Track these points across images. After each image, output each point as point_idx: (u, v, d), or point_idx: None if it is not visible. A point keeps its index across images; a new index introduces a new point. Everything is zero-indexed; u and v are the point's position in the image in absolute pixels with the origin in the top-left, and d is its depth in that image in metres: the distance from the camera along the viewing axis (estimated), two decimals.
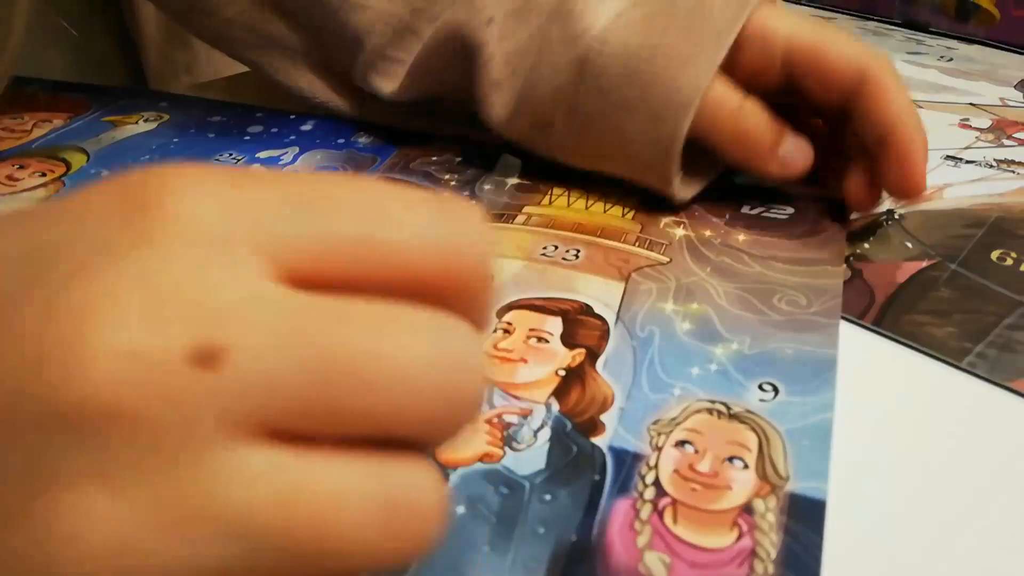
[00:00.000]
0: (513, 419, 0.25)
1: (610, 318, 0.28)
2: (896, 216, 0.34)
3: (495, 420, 0.25)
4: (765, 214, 0.34)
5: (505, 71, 0.35)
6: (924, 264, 0.31)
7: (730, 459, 0.23)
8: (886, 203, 0.34)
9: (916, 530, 0.22)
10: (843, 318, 0.28)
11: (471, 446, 0.24)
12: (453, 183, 0.38)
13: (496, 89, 0.35)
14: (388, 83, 0.40)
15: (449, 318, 0.15)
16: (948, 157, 0.40)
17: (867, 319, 0.28)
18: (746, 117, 0.32)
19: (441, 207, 0.15)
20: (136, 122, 0.44)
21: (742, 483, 0.22)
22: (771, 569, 0.20)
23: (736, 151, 0.33)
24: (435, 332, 0.15)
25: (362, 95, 0.43)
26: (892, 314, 0.29)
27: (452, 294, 0.15)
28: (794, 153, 0.33)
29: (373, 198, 0.15)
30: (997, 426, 0.25)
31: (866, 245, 0.32)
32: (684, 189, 0.34)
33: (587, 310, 0.29)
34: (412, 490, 0.14)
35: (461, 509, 0.22)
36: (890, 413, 0.25)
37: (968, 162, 0.39)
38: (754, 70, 0.32)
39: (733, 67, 0.32)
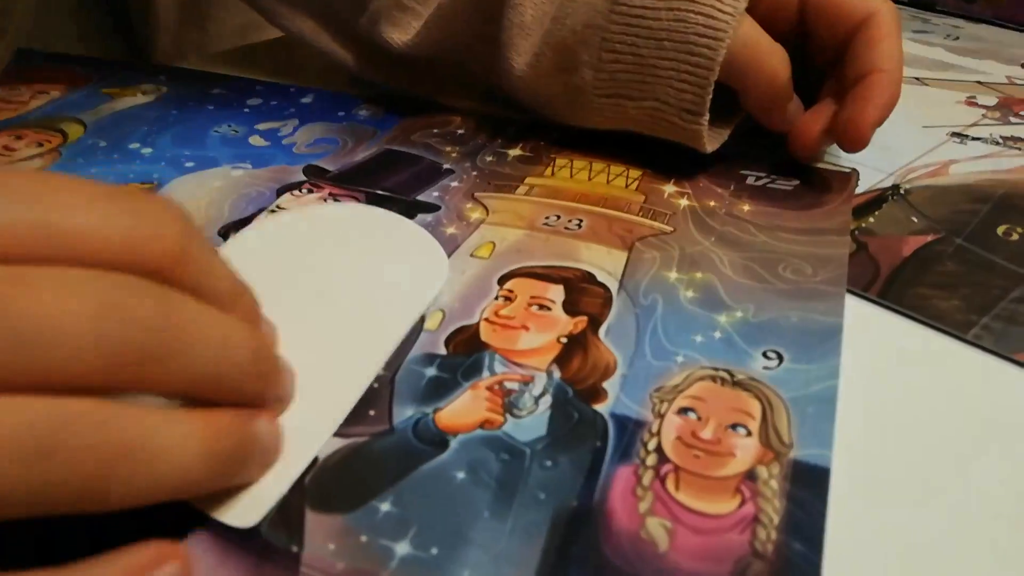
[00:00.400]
0: (514, 386, 0.24)
1: (613, 287, 0.28)
2: (901, 191, 0.34)
3: (496, 387, 0.24)
4: (770, 185, 0.34)
5: (535, 13, 0.34)
6: (929, 238, 0.31)
7: (733, 426, 0.23)
8: (891, 179, 0.34)
9: (919, 500, 0.21)
10: (848, 291, 0.28)
11: (472, 412, 0.24)
12: (455, 155, 0.37)
13: (523, 33, 0.34)
14: (401, 34, 0.39)
15: (127, 277, 0.16)
16: (954, 134, 0.39)
17: (872, 291, 0.28)
18: (781, 61, 0.32)
19: (129, 201, 0.17)
20: (135, 95, 0.44)
21: (745, 450, 0.22)
22: (774, 535, 0.20)
23: (764, 94, 0.33)
24: (102, 290, 0.15)
25: (363, 49, 0.42)
26: (897, 286, 0.28)
27: (148, 276, 0.16)
28: (794, 110, 0.34)
29: (57, 187, 0.16)
30: (1002, 397, 0.24)
31: (871, 219, 0.32)
32: (710, 138, 0.33)
33: (589, 278, 0.29)
34: (68, 436, 0.15)
35: (461, 475, 0.22)
36: (894, 384, 0.25)
37: (975, 139, 0.39)
38: (773, 5, 0.33)
39: (755, 4, 0.31)
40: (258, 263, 0.29)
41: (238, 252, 0.29)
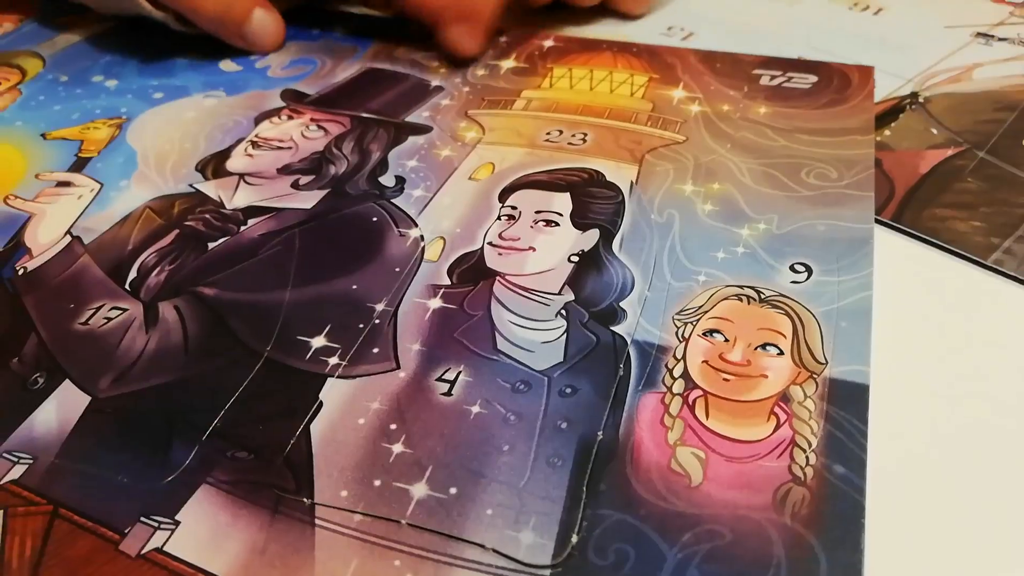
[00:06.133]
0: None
1: (624, 187, 0.26)
2: (920, 99, 0.31)
3: None
4: (786, 84, 0.31)
5: None
6: (950, 152, 0.28)
7: (763, 346, 0.21)
8: (909, 86, 0.31)
9: (962, 415, 0.20)
10: None
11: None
12: (443, 70, 0.34)
13: None
14: None
15: None
16: (979, 35, 0.36)
17: (886, 214, 0.26)
18: None
19: None
20: (92, 21, 0.41)
21: (777, 371, 0.21)
22: (813, 459, 0.19)
23: None
24: None
25: None
26: (913, 208, 0.26)
27: None
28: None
29: None
30: None
31: (887, 132, 0.29)
32: None
33: (598, 179, 0.26)
34: None
35: (476, 409, 0.20)
36: (908, 316, 0.22)
37: (1001, 39, 0.36)
38: None
39: None
40: None
41: None
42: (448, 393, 0.21)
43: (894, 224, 0.25)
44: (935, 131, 0.29)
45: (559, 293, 0.23)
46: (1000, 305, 0.23)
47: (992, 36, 0.36)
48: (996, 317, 0.22)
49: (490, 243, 0.25)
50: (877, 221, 0.25)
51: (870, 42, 0.34)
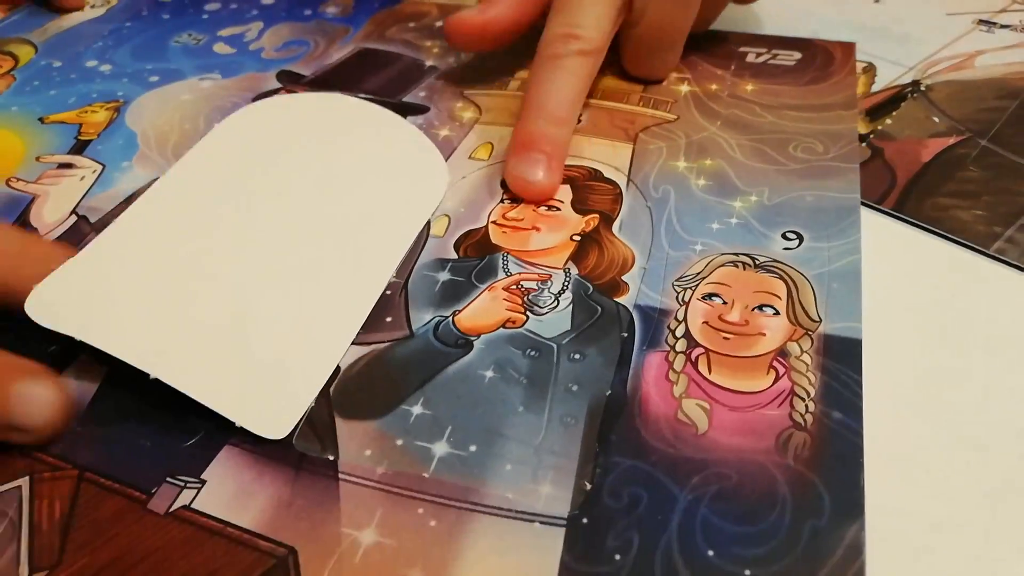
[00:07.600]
0: (532, 285, 0.24)
1: (621, 182, 0.27)
2: (922, 88, 0.31)
3: (513, 287, 0.24)
4: (771, 61, 0.32)
5: None
6: (951, 141, 0.28)
7: (760, 307, 0.22)
8: (911, 74, 0.32)
9: (962, 403, 0.21)
10: (862, 203, 0.26)
11: (492, 312, 0.23)
12: (436, 50, 0.35)
13: None
14: None
15: None
16: (981, 21, 0.37)
17: (887, 203, 0.26)
18: None
19: None
20: (82, 8, 0.41)
21: (774, 329, 0.22)
22: (812, 407, 0.20)
23: None
24: None
25: None
26: (915, 197, 0.26)
27: None
28: None
29: None
30: None
31: (888, 121, 0.29)
32: None
33: (596, 175, 0.28)
34: None
35: (489, 373, 0.21)
36: (910, 306, 0.23)
37: (1003, 27, 0.35)
38: None
39: None
40: (250, 152, 0.28)
41: (228, 138, 0.28)
42: (462, 359, 0.22)
43: (896, 213, 0.26)
44: (937, 119, 0.29)
45: (563, 268, 0.24)
46: (1002, 294, 0.23)
47: (994, 23, 0.36)
48: (998, 307, 0.23)
49: (494, 222, 0.26)
50: (880, 210, 0.26)
51: (872, 30, 0.35)
